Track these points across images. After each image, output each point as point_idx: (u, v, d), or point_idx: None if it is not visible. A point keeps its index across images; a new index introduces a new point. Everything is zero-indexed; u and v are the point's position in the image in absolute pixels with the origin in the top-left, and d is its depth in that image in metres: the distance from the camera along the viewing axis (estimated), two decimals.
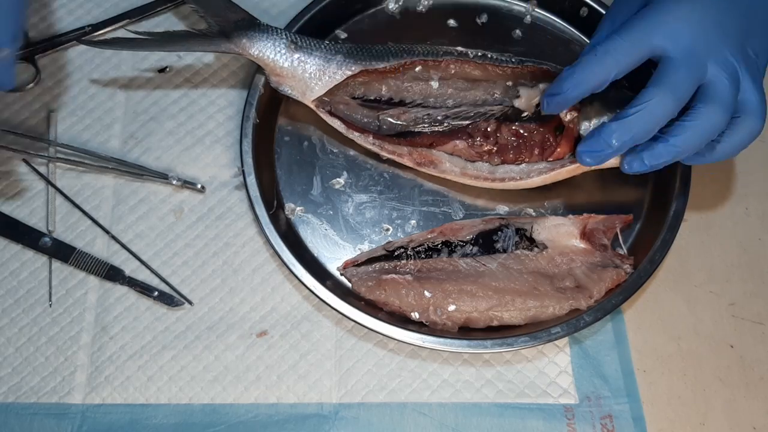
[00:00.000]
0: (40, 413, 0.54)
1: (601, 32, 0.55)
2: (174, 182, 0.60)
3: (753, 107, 0.50)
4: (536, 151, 0.58)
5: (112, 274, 0.58)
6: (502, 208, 0.61)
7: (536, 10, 0.68)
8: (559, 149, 0.57)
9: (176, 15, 0.63)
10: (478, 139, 0.58)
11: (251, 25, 0.59)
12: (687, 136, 0.50)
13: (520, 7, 0.68)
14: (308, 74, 0.59)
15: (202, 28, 0.60)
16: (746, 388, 0.57)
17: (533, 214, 0.60)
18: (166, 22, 0.68)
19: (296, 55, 0.58)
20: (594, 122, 0.55)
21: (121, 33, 0.64)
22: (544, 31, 0.68)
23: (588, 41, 0.67)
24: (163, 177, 0.61)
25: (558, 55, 0.66)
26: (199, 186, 0.61)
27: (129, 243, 0.60)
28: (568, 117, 0.56)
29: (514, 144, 0.58)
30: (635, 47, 0.50)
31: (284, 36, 0.59)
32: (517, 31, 0.67)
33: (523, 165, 0.58)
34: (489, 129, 0.58)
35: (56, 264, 0.59)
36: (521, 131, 0.58)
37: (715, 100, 0.49)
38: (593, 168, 0.55)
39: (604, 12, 0.65)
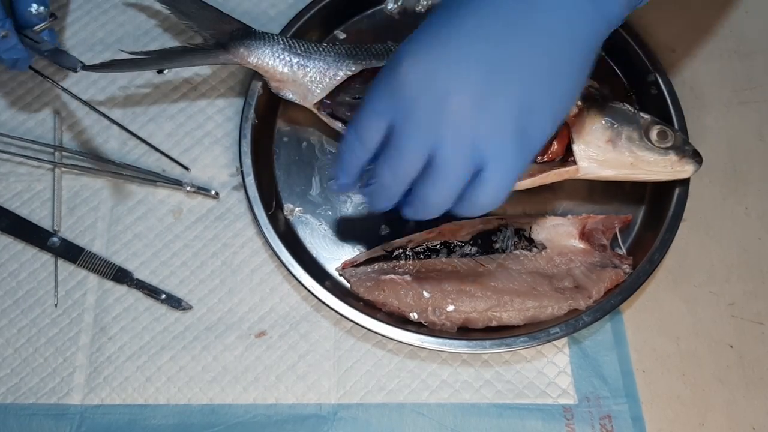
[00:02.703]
0: (38, 414, 0.54)
1: None
2: (188, 188, 0.60)
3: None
4: None
5: (119, 276, 0.58)
6: (501, 209, 0.61)
7: None
8: (552, 149, 0.56)
9: (170, 32, 0.62)
10: None
11: (247, 34, 0.59)
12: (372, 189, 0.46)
13: None
14: (308, 78, 0.59)
15: (198, 43, 0.60)
16: (746, 388, 0.56)
17: (532, 214, 0.60)
18: (160, 39, 0.67)
19: (295, 60, 0.58)
20: (590, 124, 0.55)
21: (107, 53, 0.64)
22: None
23: None
24: (176, 183, 0.61)
25: None
26: (213, 192, 0.61)
27: (128, 243, 0.60)
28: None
29: None
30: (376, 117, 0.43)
31: (282, 41, 0.59)
32: None
33: None
34: None
35: (58, 263, 0.59)
36: None
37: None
38: (582, 176, 0.56)
39: None
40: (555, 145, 0.56)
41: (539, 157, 0.57)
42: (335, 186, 0.48)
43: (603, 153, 0.55)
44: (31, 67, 0.63)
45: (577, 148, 0.55)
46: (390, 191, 0.45)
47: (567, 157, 0.56)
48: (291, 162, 0.62)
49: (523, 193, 0.60)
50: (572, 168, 0.55)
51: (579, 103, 0.55)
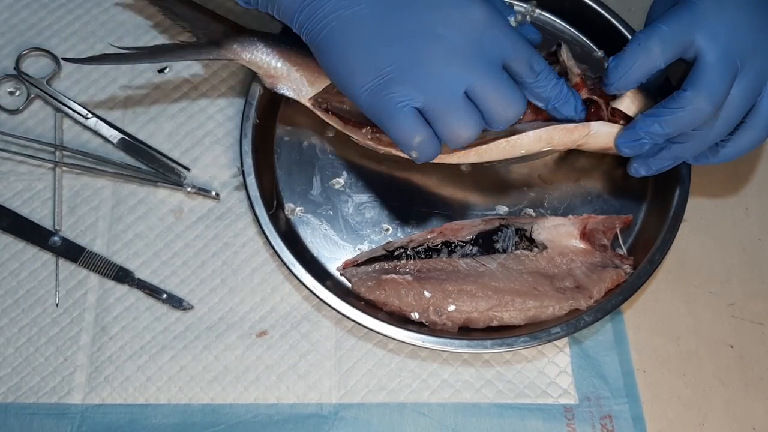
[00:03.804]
0: (39, 413, 0.54)
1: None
2: (188, 189, 0.60)
3: (760, 119, 0.51)
4: (529, 111, 0.56)
5: (120, 275, 0.58)
6: (502, 208, 0.61)
7: (536, 10, 0.68)
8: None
9: (171, 30, 0.62)
10: None
11: (241, 32, 0.59)
12: (690, 145, 0.52)
13: (520, 7, 0.68)
14: (302, 73, 0.59)
15: (191, 41, 0.60)
16: (746, 389, 0.57)
17: (533, 214, 0.60)
18: (147, 35, 0.67)
19: (289, 56, 0.58)
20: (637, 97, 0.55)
21: (107, 49, 0.63)
22: (544, 32, 0.67)
23: (588, 42, 0.67)
24: (176, 184, 0.61)
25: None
26: (213, 193, 0.61)
27: (129, 243, 0.60)
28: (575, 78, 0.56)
29: None
30: (677, 34, 0.49)
31: (275, 38, 0.59)
32: None
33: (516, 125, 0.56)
34: None
35: (59, 263, 0.59)
36: None
37: (728, 111, 0.50)
38: (585, 147, 0.56)
39: (604, 12, 0.65)
40: None
41: (543, 115, 0.56)
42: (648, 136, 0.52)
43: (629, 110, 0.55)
44: (22, 74, 0.63)
45: (627, 97, 0.55)
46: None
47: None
48: (292, 162, 0.62)
49: (524, 192, 0.60)
50: (582, 126, 0.55)
51: None
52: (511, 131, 0.55)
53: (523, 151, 0.56)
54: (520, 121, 0.55)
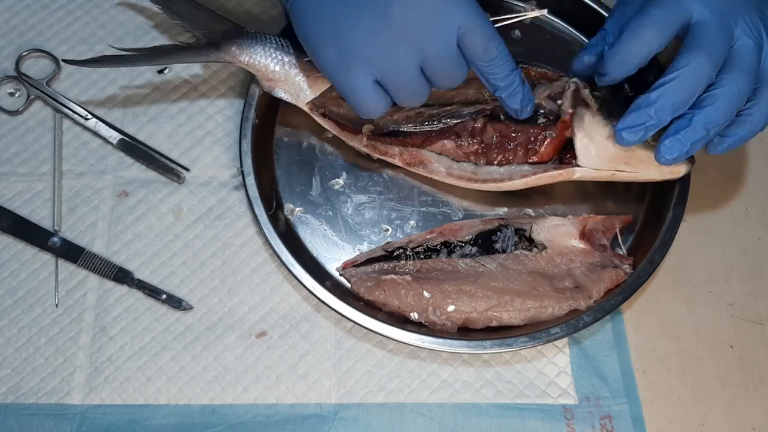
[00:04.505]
0: (39, 414, 0.54)
1: (616, 12, 0.56)
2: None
3: None
4: (520, 152, 0.57)
5: (120, 276, 0.58)
6: (502, 209, 0.61)
7: (536, 10, 0.68)
8: (542, 151, 0.56)
9: (171, 31, 0.62)
10: (465, 138, 0.57)
11: (239, 34, 0.59)
12: (719, 105, 0.49)
13: (520, 7, 0.68)
14: (300, 77, 0.59)
15: (189, 41, 0.60)
16: (746, 389, 0.57)
17: (532, 214, 0.60)
18: (147, 35, 0.67)
19: (287, 59, 0.58)
20: (591, 118, 0.55)
21: (108, 52, 0.63)
22: (544, 32, 0.68)
23: (588, 41, 0.67)
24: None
25: (557, 55, 0.66)
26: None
27: (128, 243, 0.60)
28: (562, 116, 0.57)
29: (499, 144, 0.57)
30: (672, 15, 0.49)
31: (274, 41, 0.59)
32: (517, 32, 0.67)
33: (506, 167, 0.58)
34: (476, 127, 0.57)
35: (59, 263, 0.59)
36: (506, 130, 0.57)
37: (743, 65, 0.49)
38: (576, 178, 0.56)
39: (604, 13, 0.65)
40: (548, 147, 0.56)
41: (531, 158, 0.57)
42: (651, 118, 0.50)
43: (604, 149, 0.55)
44: (22, 75, 0.64)
45: (580, 143, 0.55)
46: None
47: (562, 158, 0.57)
48: (291, 162, 0.62)
49: (524, 193, 0.60)
50: (567, 170, 0.56)
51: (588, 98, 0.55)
52: (501, 177, 0.57)
53: (512, 189, 0.58)
54: (510, 162, 0.57)
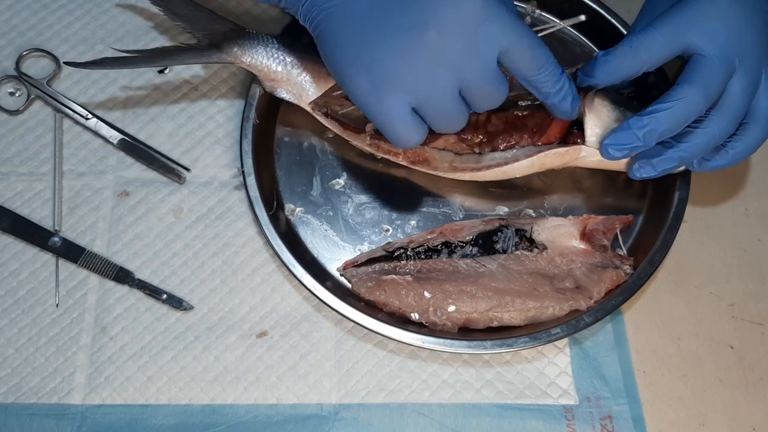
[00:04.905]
0: (39, 414, 0.54)
1: (638, 23, 0.56)
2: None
3: (763, 115, 0.51)
4: (525, 135, 0.56)
5: (121, 276, 0.58)
6: (502, 209, 0.61)
7: (537, 10, 0.68)
8: (549, 132, 0.56)
9: (171, 32, 0.62)
10: (469, 131, 0.57)
11: (241, 34, 0.59)
12: (697, 143, 0.51)
13: (521, 7, 0.68)
14: (303, 77, 0.59)
15: (191, 42, 0.60)
16: (746, 389, 0.57)
17: (533, 214, 0.60)
18: (147, 35, 0.67)
19: (289, 59, 0.58)
20: (601, 102, 0.55)
21: (108, 52, 0.64)
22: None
23: (588, 42, 0.68)
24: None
25: (558, 55, 0.64)
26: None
27: (129, 243, 0.60)
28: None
29: (503, 130, 0.56)
30: (669, 42, 0.50)
31: (276, 41, 0.59)
32: None
33: (511, 150, 0.57)
34: (479, 119, 0.57)
35: (59, 263, 0.59)
36: (511, 117, 0.57)
37: (732, 109, 0.50)
38: (580, 161, 0.56)
39: (603, 12, 0.65)
40: (554, 128, 0.56)
41: (536, 140, 0.56)
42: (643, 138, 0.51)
43: (610, 131, 0.55)
44: (23, 74, 0.64)
45: (590, 121, 0.55)
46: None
47: (567, 140, 0.56)
48: (292, 162, 0.62)
49: (524, 193, 0.60)
50: (573, 148, 0.55)
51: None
52: (506, 160, 0.56)
53: (517, 175, 0.57)
54: (515, 146, 0.56)
